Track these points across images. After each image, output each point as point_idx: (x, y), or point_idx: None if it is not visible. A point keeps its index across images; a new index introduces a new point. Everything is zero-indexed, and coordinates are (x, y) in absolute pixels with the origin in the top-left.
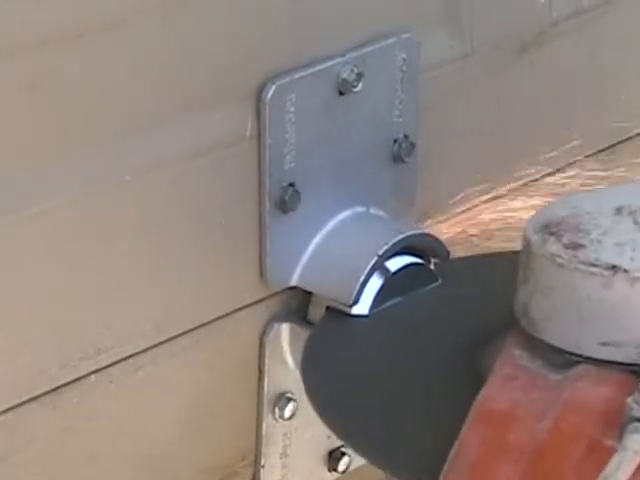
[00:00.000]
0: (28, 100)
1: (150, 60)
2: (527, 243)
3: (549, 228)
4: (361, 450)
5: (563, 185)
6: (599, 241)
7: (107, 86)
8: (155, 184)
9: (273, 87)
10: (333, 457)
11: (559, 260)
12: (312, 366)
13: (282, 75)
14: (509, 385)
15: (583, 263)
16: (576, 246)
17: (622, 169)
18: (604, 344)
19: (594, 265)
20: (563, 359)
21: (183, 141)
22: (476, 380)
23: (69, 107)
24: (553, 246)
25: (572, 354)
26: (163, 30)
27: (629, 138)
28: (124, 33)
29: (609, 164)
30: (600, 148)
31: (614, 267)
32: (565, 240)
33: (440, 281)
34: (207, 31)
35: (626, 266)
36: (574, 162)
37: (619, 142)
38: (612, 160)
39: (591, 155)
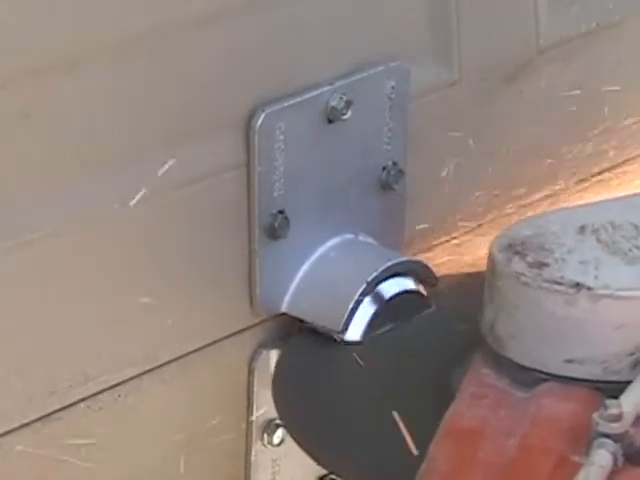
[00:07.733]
0: (22, 129)
1: (140, 90)
2: (492, 262)
3: (514, 247)
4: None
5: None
6: (563, 259)
7: (97, 116)
8: (145, 212)
9: (262, 115)
10: None
11: (523, 278)
12: (284, 390)
13: (271, 103)
14: (477, 403)
15: (547, 281)
16: (540, 265)
17: (610, 196)
18: (569, 361)
19: (558, 283)
20: (529, 377)
21: (173, 169)
22: (446, 400)
23: (61, 136)
24: (517, 265)
25: (538, 372)
26: (153, 61)
27: (618, 165)
28: (114, 64)
29: (596, 191)
30: (587, 176)
31: (577, 284)
32: (529, 259)
33: (434, 307)
34: (196, 61)
35: (590, 283)
36: (562, 189)
37: (607, 169)
38: (599, 187)
39: (579, 182)
